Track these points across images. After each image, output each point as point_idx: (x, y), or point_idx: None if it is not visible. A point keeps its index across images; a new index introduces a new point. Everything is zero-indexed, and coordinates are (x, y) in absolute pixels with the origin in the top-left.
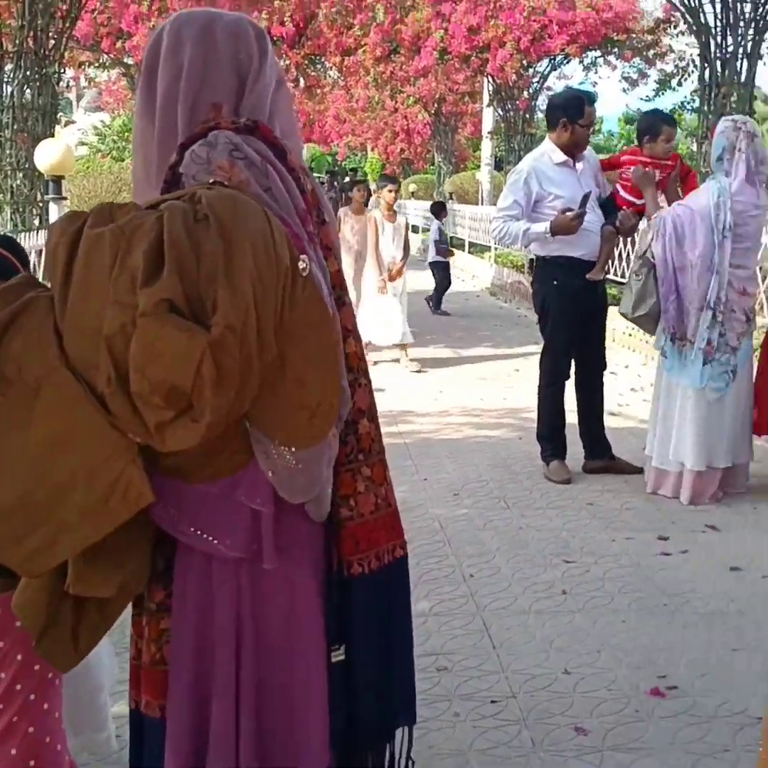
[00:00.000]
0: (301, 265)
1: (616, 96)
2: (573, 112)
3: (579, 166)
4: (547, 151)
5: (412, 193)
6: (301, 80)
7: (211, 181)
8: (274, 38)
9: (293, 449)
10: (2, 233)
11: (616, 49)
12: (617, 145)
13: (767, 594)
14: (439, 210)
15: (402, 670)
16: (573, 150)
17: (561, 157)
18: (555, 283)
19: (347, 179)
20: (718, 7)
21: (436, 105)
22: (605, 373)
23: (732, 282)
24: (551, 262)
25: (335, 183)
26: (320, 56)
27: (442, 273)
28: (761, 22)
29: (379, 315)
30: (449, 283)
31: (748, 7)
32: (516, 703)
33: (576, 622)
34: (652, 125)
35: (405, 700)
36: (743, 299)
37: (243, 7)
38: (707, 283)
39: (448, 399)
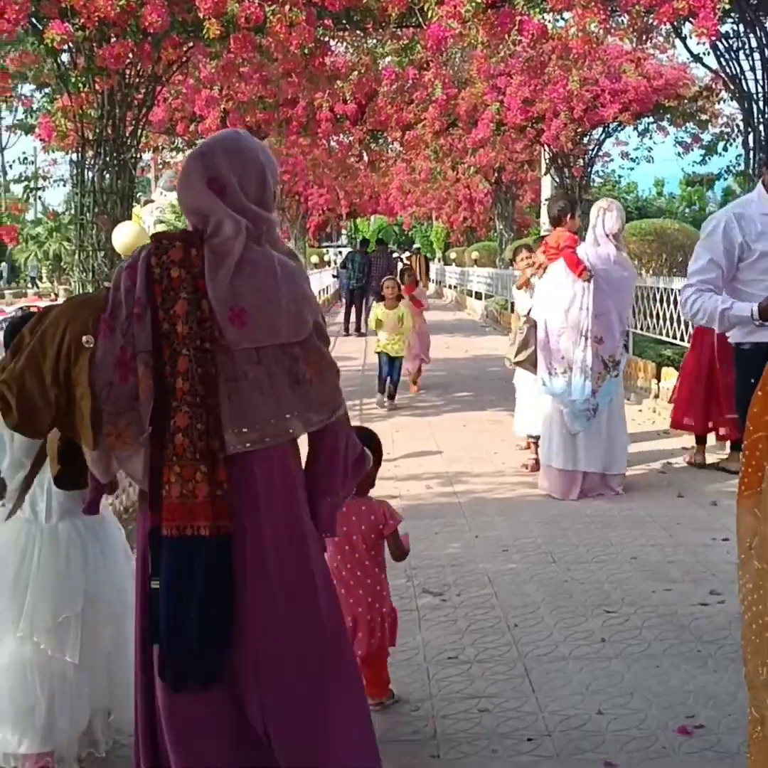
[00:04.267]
0: (85, 339)
1: (673, 158)
2: None
3: None
4: (758, 197)
5: (475, 260)
6: (365, 155)
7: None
8: (338, 116)
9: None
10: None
11: (668, 115)
12: (679, 208)
13: None
14: None
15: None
16: None
17: None
18: (752, 381)
19: (396, 255)
20: (760, 73)
21: (495, 174)
22: None
23: None
24: (751, 353)
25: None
26: (382, 131)
27: None
28: None
29: None
30: None
31: None
32: (551, 741)
33: (612, 668)
34: None
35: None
36: None
37: (305, 88)
38: None
39: (501, 459)
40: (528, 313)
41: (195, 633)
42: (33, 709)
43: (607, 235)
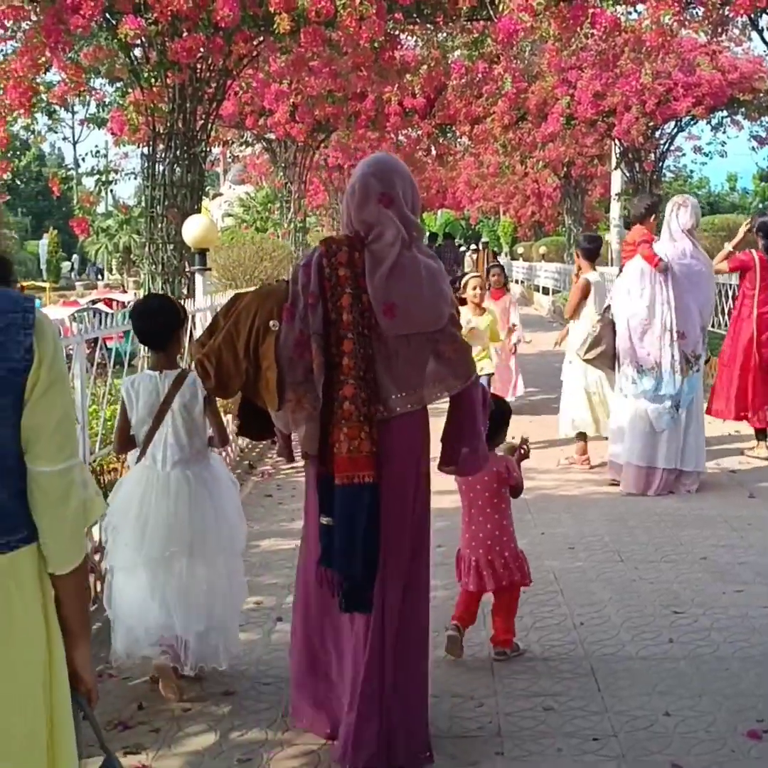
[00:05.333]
0: (272, 323)
1: (747, 153)
2: None
3: None
4: None
5: (543, 255)
6: (433, 149)
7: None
8: (407, 110)
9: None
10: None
11: (742, 109)
12: (753, 203)
13: None
14: None
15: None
16: None
17: None
18: None
19: (463, 249)
20: None
21: (565, 168)
22: None
23: None
24: None
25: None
26: (450, 125)
27: None
28: None
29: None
30: None
31: None
32: (616, 741)
33: (680, 668)
34: None
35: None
36: None
37: (374, 82)
38: None
39: (567, 455)
40: (605, 311)
41: (360, 557)
42: (157, 619)
43: (682, 231)
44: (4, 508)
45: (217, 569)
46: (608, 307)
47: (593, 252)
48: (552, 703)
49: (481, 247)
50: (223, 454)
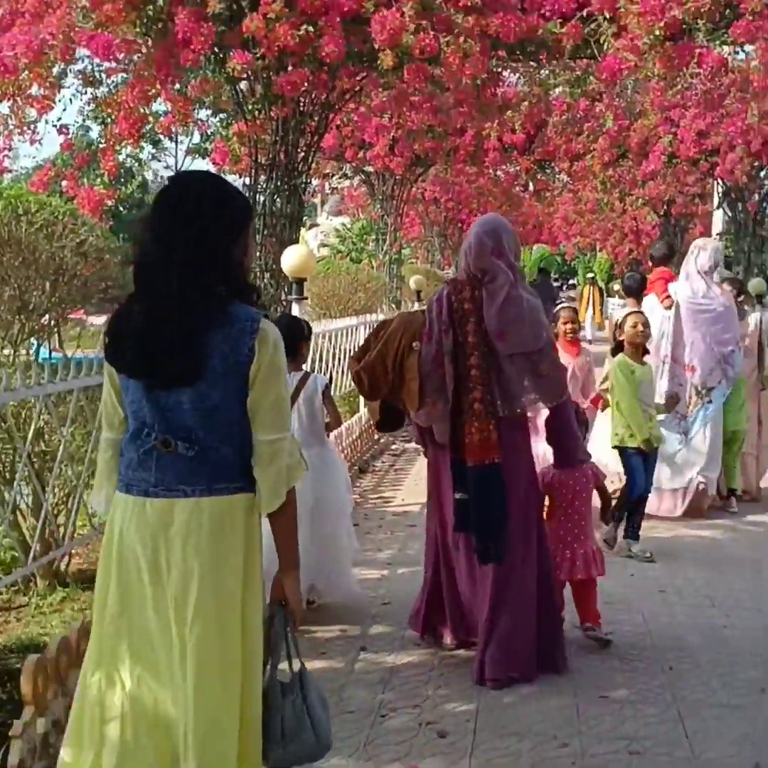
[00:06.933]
0: (414, 344)
1: None
2: None
3: None
4: None
5: None
6: (531, 184)
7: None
8: (506, 145)
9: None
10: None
11: None
12: None
13: None
14: None
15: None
16: None
17: None
18: None
19: (558, 284)
20: None
21: (665, 206)
22: None
23: None
24: None
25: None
26: (550, 161)
27: None
28: None
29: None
30: None
31: None
32: None
33: None
34: None
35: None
36: None
37: (475, 118)
38: None
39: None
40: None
41: (495, 522)
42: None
43: (699, 272)
44: (228, 462)
45: (334, 526)
46: None
47: (633, 289)
48: (638, 747)
49: (588, 282)
50: None
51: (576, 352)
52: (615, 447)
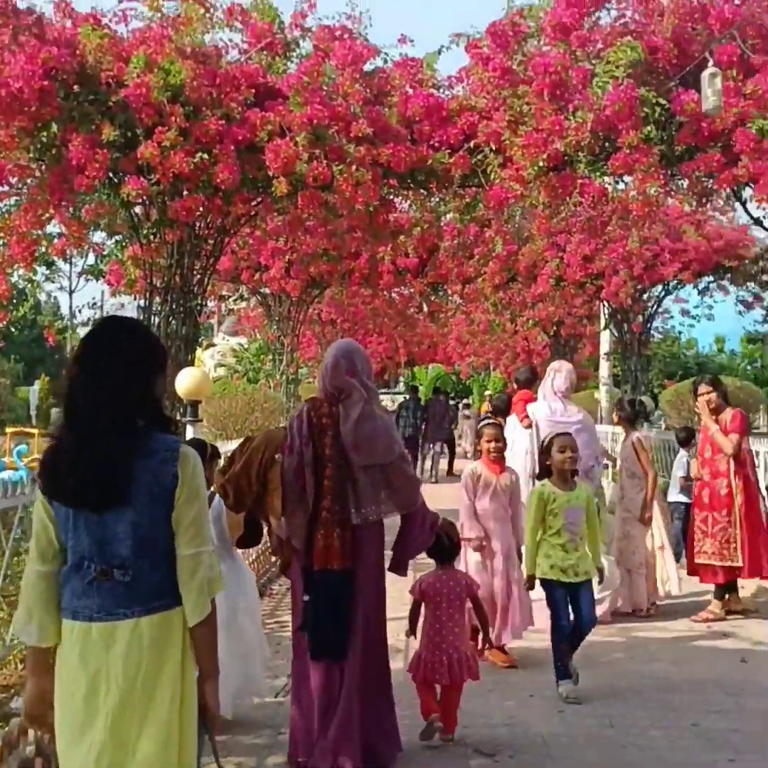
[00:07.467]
0: (277, 456)
1: (734, 315)
2: None
3: None
4: None
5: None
6: (425, 306)
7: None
8: (400, 269)
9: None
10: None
11: (729, 275)
12: (740, 365)
13: None
14: (688, 438)
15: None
16: None
17: None
18: None
19: (454, 401)
20: None
21: (554, 327)
22: None
23: None
24: None
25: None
26: (442, 284)
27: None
28: None
29: None
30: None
31: None
32: None
33: None
34: None
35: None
36: None
37: (369, 242)
38: None
39: None
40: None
41: (331, 620)
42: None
43: (555, 393)
44: (161, 582)
45: (253, 634)
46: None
47: (500, 409)
48: None
49: (486, 398)
50: None
51: (499, 469)
52: (540, 578)
